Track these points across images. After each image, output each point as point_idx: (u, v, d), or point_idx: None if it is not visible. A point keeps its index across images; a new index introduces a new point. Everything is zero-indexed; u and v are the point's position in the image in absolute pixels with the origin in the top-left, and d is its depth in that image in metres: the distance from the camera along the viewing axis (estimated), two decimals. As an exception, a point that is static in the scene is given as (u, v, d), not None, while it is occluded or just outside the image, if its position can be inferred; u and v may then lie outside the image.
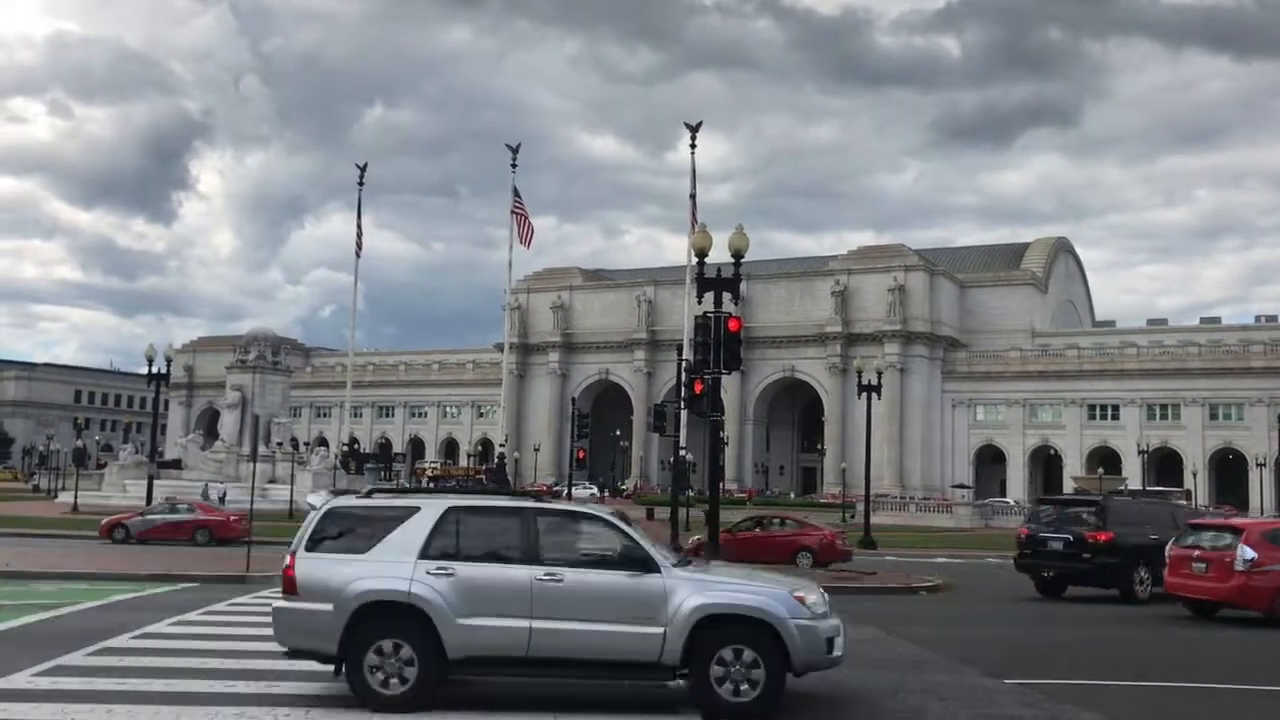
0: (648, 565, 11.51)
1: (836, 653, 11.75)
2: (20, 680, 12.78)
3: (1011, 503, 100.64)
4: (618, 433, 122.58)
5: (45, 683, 12.67)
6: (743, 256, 29.28)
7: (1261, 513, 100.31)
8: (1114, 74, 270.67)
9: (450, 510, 11.91)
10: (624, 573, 11.47)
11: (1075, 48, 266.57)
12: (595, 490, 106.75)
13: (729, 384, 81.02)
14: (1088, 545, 25.09)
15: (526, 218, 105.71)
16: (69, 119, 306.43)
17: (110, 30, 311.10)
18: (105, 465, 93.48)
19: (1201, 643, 19.43)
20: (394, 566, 11.48)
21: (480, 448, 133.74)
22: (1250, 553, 20.97)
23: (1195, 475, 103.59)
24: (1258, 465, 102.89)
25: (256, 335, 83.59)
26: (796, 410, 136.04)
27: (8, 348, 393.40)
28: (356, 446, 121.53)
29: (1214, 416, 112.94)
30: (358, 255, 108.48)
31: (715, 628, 11.26)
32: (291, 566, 11.68)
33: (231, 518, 42.60)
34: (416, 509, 11.95)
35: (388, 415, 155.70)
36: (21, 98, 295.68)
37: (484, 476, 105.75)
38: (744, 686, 11.23)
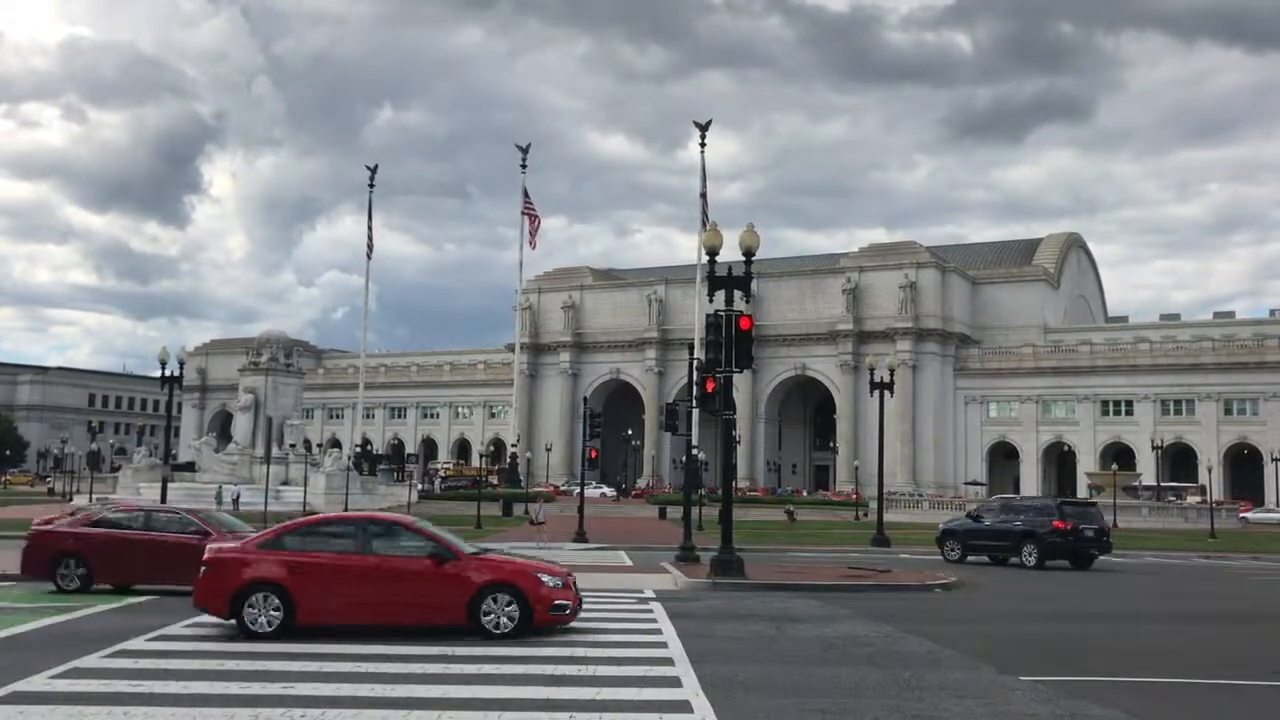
0: None
1: None
2: (38, 682, 12.83)
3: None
4: (629, 432, 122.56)
5: (62, 685, 12.72)
6: (753, 254, 29.34)
7: (1278, 506, 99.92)
8: (1126, 68, 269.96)
9: None
10: None
11: (1087, 42, 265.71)
12: (609, 491, 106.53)
13: (741, 382, 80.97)
14: (1107, 532, 39.59)
15: (536, 218, 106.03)
16: (82, 123, 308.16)
17: (123, 34, 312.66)
18: (119, 468, 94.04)
19: (1222, 641, 19.35)
20: None
21: (492, 448, 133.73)
22: None
23: (1210, 470, 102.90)
24: (1273, 460, 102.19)
25: (269, 338, 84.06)
26: (808, 408, 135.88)
27: (22, 352, 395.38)
28: (369, 448, 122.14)
29: (1229, 411, 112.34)
30: (369, 257, 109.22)
31: None
32: None
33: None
34: None
35: (400, 416, 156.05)
36: (35, 102, 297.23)
37: (497, 476, 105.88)
38: None
